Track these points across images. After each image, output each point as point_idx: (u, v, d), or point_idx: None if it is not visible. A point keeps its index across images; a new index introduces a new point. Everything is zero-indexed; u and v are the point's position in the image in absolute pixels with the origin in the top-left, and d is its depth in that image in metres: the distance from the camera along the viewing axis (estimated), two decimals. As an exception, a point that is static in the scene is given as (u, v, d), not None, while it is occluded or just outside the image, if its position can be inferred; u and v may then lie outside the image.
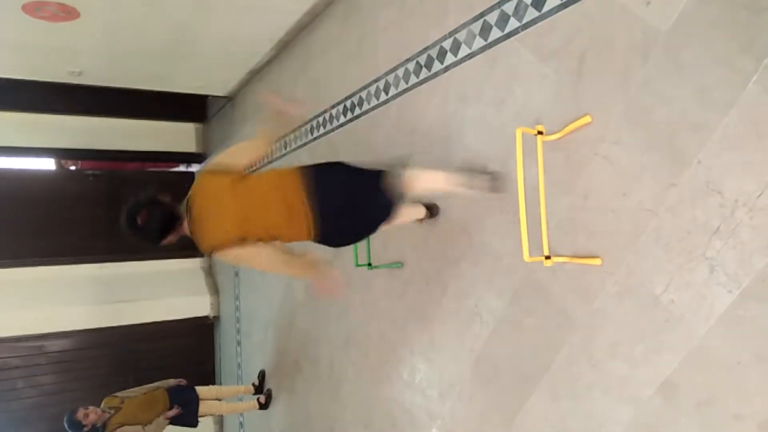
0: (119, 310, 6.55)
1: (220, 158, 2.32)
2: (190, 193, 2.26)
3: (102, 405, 4.35)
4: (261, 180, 2.33)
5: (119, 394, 4.53)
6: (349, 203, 2.32)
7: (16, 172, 6.98)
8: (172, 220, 2.24)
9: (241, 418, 6.26)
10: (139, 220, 2.18)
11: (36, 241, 6.72)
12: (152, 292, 6.81)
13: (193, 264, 7.49)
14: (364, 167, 2.41)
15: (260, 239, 2.20)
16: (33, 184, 6.97)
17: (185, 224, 2.25)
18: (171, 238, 2.27)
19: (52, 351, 6.52)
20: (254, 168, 2.25)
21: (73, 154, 7.02)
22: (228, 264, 2.31)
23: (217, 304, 7.22)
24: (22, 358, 6.41)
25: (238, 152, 2.36)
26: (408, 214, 2.75)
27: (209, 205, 2.21)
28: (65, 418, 4.19)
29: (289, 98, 2.18)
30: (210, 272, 7.52)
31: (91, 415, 4.22)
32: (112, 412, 4.29)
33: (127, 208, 2.20)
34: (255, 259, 2.25)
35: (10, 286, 6.32)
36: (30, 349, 6.42)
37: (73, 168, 7.51)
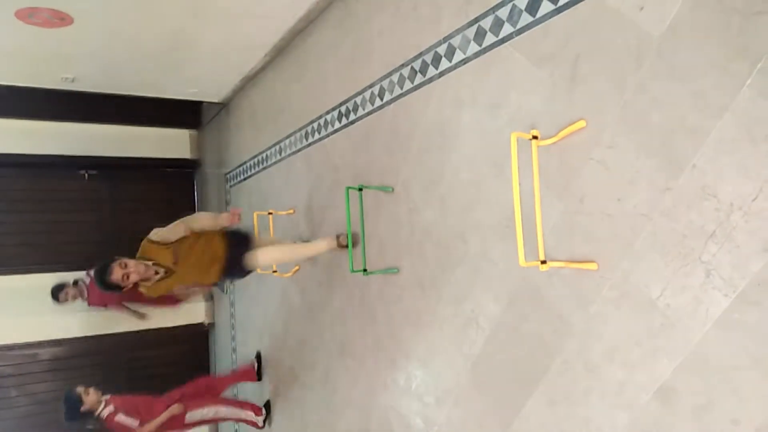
0: (113, 317, 6.51)
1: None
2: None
3: (138, 256, 3.36)
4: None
5: (158, 239, 3.37)
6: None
7: (6, 172, 6.88)
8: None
9: (236, 426, 6.21)
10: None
11: (28, 247, 6.68)
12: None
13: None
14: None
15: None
16: (23, 186, 6.89)
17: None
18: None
19: (46, 359, 6.48)
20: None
21: (66, 160, 6.98)
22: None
23: (212, 311, 7.20)
24: (15, 366, 6.37)
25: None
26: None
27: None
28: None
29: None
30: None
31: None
32: (161, 273, 3.35)
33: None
34: None
35: (3, 293, 6.28)
36: (23, 357, 6.38)
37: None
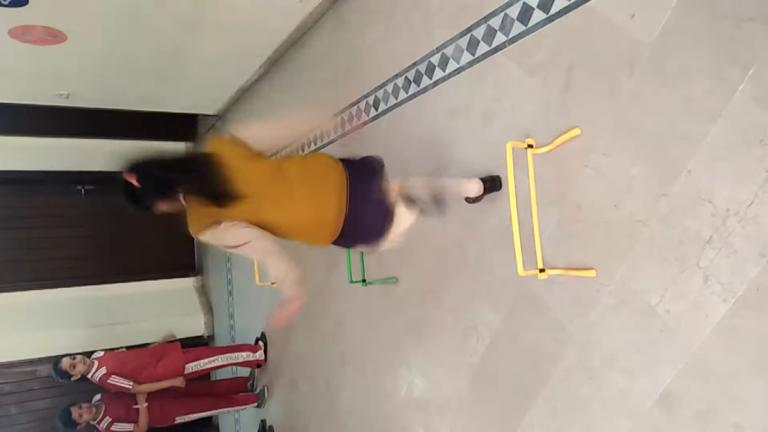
0: (112, 332, 6.47)
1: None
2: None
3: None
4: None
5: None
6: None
7: (2, 190, 6.85)
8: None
9: (236, 416, 6.14)
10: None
11: (25, 263, 6.66)
12: (145, 313, 6.74)
13: (185, 284, 7.44)
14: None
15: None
16: (20, 203, 6.86)
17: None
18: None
19: (45, 376, 6.43)
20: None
21: (62, 176, 6.96)
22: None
23: (211, 323, 7.16)
24: (14, 383, 6.33)
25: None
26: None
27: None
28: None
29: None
30: (203, 291, 7.46)
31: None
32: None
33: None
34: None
35: (1, 311, 6.25)
36: (23, 374, 6.34)
37: None
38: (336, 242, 2.17)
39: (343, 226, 2.07)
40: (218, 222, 1.94)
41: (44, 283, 6.59)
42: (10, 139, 6.48)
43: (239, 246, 1.96)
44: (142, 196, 1.97)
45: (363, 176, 2.15)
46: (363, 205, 2.09)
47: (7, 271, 6.51)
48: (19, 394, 6.35)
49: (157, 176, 1.96)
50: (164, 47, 4.41)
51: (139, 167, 1.97)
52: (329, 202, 2.04)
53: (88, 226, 7.06)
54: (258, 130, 2.13)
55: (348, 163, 2.20)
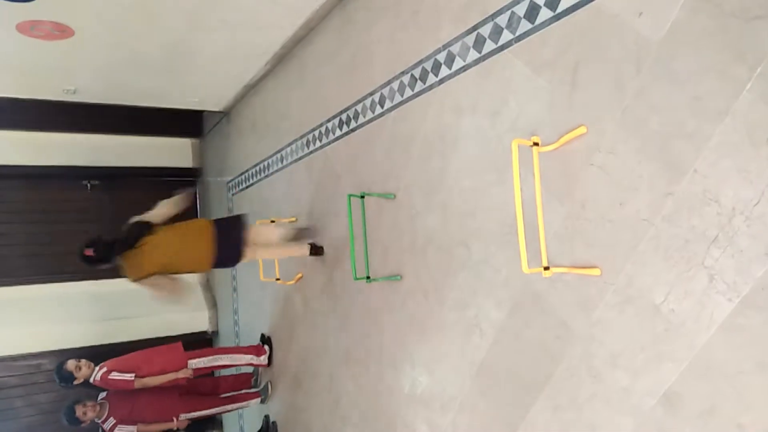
0: (117, 327, 6.52)
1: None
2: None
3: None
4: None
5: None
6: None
7: (9, 184, 6.89)
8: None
9: (240, 412, 6.15)
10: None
11: (31, 257, 6.70)
12: (150, 308, 6.76)
13: (191, 279, 7.45)
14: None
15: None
16: (26, 197, 6.90)
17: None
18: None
19: (50, 369, 6.46)
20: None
21: (69, 171, 7.00)
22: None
23: (215, 319, 7.19)
24: (20, 377, 6.37)
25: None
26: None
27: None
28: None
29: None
30: (208, 287, 7.49)
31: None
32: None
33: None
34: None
35: (7, 304, 6.29)
36: (28, 367, 6.38)
37: None
38: (214, 267, 3.92)
39: (215, 259, 3.78)
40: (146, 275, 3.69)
41: (50, 277, 6.64)
42: (17, 133, 6.52)
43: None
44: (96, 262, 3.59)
45: (224, 231, 3.85)
46: (222, 247, 3.79)
47: (14, 264, 6.55)
48: (24, 387, 6.39)
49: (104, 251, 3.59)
50: (171, 43, 4.42)
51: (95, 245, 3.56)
52: (203, 247, 3.75)
53: (94, 221, 7.09)
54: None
55: (217, 222, 3.96)
